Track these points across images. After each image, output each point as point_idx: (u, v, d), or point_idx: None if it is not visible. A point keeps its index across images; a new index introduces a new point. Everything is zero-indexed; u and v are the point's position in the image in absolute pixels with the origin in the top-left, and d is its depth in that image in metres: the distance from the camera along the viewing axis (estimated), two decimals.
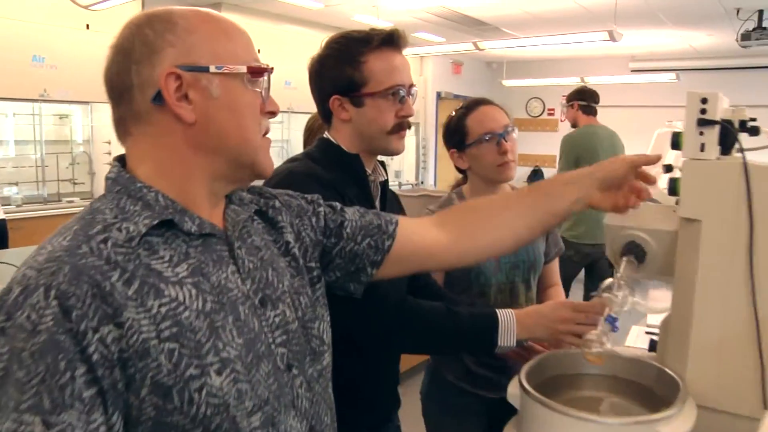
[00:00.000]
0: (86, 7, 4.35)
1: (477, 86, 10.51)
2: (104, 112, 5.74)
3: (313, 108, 1.48)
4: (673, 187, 1.14)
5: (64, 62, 5.38)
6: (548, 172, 10.08)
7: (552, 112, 11.18)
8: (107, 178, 0.88)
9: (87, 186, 5.99)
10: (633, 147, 9.40)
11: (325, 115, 1.45)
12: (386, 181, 1.53)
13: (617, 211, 1.18)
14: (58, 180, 5.82)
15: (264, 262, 0.95)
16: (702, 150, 1.11)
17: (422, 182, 9.91)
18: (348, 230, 1.10)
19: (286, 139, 7.90)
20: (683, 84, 8.70)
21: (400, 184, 8.73)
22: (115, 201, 0.84)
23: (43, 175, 5.66)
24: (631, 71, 9.77)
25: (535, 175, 10.73)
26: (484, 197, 1.61)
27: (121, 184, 0.86)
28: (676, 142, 1.15)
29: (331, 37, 1.42)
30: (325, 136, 1.46)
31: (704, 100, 1.11)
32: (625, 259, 1.19)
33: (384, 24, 7.08)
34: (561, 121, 10.20)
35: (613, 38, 5.38)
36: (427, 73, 10.14)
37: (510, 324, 1.30)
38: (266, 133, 0.94)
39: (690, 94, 1.13)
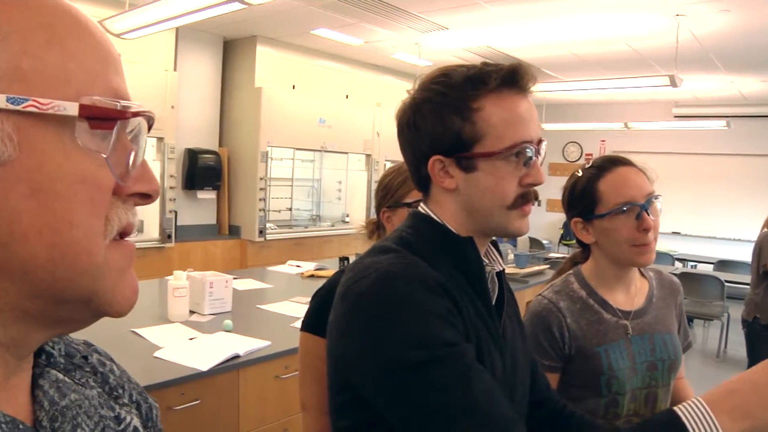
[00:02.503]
0: (118, 36, 4.09)
1: None
2: None
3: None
4: None
5: None
6: None
7: (590, 157, 10.81)
8: None
9: None
10: (679, 196, 9.04)
11: (420, 181, 1.07)
12: (503, 271, 1.12)
13: None
14: None
15: None
16: None
17: None
18: None
19: (317, 178, 7.60)
20: (733, 131, 8.30)
21: None
22: None
23: None
24: (675, 117, 9.39)
25: None
26: None
27: None
28: None
29: (431, 74, 1.03)
30: (421, 210, 1.07)
31: None
32: None
33: (425, 63, 6.88)
34: None
35: (674, 83, 5.03)
36: None
37: (707, 426, 0.83)
38: (125, 233, 0.50)
39: None
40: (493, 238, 1.11)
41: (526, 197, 1.00)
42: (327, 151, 7.05)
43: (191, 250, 5.89)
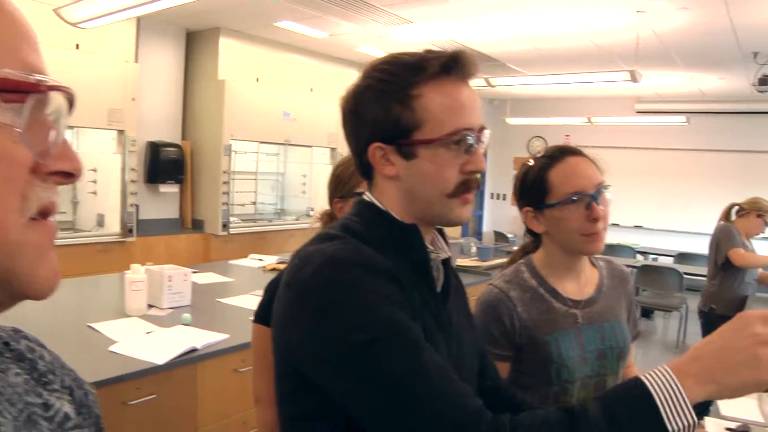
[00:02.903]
0: (75, 25, 3.99)
1: None
2: (91, 137, 5.39)
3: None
4: None
5: None
6: None
7: None
8: None
9: (69, 215, 5.57)
10: (642, 190, 9.20)
11: (363, 169, 1.07)
12: (449, 259, 1.12)
13: None
14: None
15: None
16: None
17: None
18: None
19: (281, 172, 7.55)
20: (692, 127, 8.48)
21: None
22: None
23: None
24: (637, 112, 9.56)
25: None
26: None
27: None
28: None
29: (373, 62, 1.03)
30: (366, 198, 1.07)
31: None
32: None
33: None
34: None
35: (634, 79, 5.12)
36: None
37: (672, 391, 0.81)
38: (46, 213, 0.50)
39: None
40: (437, 226, 1.11)
41: (468, 185, 1.00)
42: (291, 145, 7.00)
43: (154, 245, 5.80)
